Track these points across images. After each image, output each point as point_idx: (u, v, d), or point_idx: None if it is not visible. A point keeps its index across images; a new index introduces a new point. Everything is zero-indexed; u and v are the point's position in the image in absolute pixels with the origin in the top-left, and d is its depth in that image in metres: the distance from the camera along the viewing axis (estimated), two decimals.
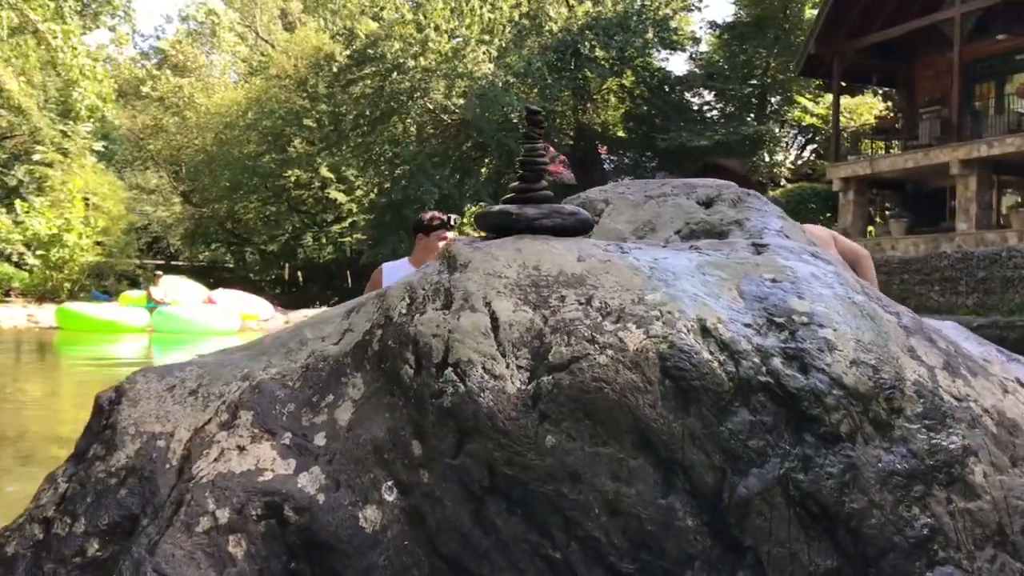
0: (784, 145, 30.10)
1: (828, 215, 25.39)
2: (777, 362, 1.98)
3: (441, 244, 4.21)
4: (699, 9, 41.08)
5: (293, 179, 33.99)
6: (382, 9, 29.26)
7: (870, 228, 25.00)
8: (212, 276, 33.33)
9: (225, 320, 18.46)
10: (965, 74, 22.47)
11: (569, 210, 2.27)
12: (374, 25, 29.25)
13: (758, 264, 2.22)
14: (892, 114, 26.50)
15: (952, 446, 1.98)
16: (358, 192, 33.86)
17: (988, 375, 2.23)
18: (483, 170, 31.36)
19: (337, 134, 31.32)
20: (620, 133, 32.51)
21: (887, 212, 25.20)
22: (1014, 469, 2.04)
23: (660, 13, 30.30)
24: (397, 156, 30.23)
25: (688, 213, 2.77)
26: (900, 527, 1.90)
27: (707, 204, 2.80)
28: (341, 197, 33.94)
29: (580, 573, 1.90)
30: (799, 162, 29.80)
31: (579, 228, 2.26)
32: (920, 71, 25.22)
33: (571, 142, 31.37)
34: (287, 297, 31.14)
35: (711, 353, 1.96)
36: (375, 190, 32.17)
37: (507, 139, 29.27)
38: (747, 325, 2.03)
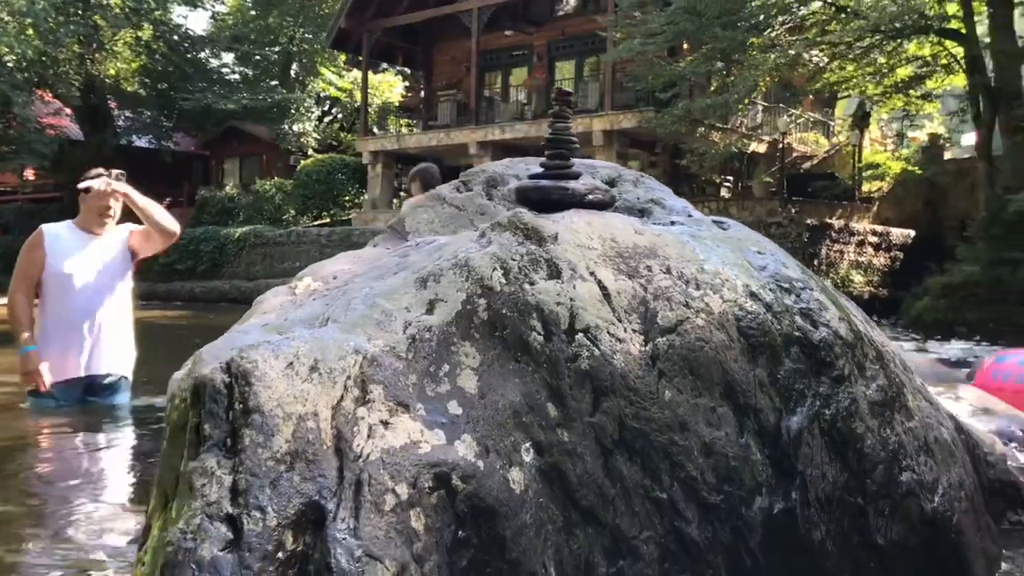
0: (310, 115, 30.56)
1: (357, 186, 26.45)
2: (798, 319, 2.42)
3: (111, 203, 4.23)
4: None
5: None
6: None
7: (395, 200, 26.57)
8: None
9: None
10: (478, 63, 24.82)
11: (604, 187, 2.48)
12: None
13: (740, 238, 2.64)
14: (414, 94, 28.38)
15: (897, 379, 2.60)
16: None
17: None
18: None
19: None
20: (134, 88, 30.40)
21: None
22: (919, 395, 2.73)
23: None
24: None
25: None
26: (884, 445, 2.46)
27: (611, 183, 3.13)
28: None
29: (680, 510, 2.18)
30: (324, 133, 30.48)
31: (612, 203, 2.48)
32: (438, 56, 27.36)
33: (79, 94, 28.60)
34: None
35: (764, 313, 2.35)
36: None
37: (0, 85, 25.89)
38: (771, 289, 2.44)
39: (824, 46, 18.68)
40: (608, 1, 21.31)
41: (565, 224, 2.28)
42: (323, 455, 1.83)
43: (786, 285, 2.49)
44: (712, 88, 20.05)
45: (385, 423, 1.93)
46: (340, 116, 31.13)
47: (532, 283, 2.15)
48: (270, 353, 1.91)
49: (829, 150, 25.07)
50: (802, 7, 18.51)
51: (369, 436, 1.89)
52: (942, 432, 2.70)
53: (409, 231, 3.05)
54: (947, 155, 24.34)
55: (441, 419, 1.99)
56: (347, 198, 26.44)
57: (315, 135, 29.22)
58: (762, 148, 23.41)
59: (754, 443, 2.27)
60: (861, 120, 22.68)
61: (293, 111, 29.00)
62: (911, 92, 20.09)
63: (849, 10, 18.56)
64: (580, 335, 2.10)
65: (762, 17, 18.31)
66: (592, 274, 2.19)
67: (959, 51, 18.40)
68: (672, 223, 2.66)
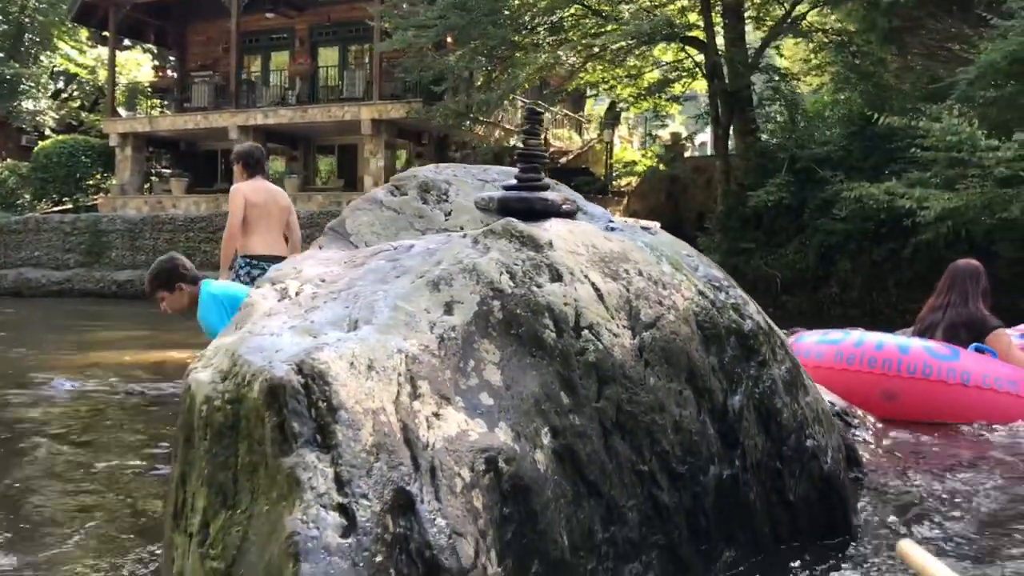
0: (46, 92, 28.17)
1: (103, 170, 24.82)
2: (732, 313, 2.83)
3: None
4: None
5: None
6: None
7: (147, 184, 25.18)
8: None
9: None
10: (238, 44, 24.01)
11: (571, 198, 2.76)
12: None
13: (671, 243, 3.01)
14: (164, 74, 26.97)
15: (795, 361, 3.08)
16: None
17: None
18: None
19: None
20: None
21: (167, 170, 25.62)
22: (807, 375, 3.23)
23: None
24: None
25: None
26: (795, 416, 2.93)
27: None
28: None
29: (657, 479, 2.53)
30: (61, 112, 28.18)
31: (576, 212, 2.76)
32: (193, 36, 26.17)
33: None
34: None
35: (711, 308, 2.73)
36: None
37: None
38: (710, 288, 2.84)
39: (581, 48, 19.76)
40: None
41: (554, 232, 2.55)
42: (398, 446, 2.00)
43: (716, 284, 2.90)
44: (478, 83, 20.64)
45: (436, 415, 2.12)
46: (79, 95, 28.92)
47: (539, 286, 2.40)
48: (334, 354, 2.05)
49: (583, 146, 26.51)
50: (563, 10, 19.45)
51: (429, 427, 2.08)
52: (825, 404, 3.23)
53: (351, 233, 3.19)
54: (687, 153, 26.46)
55: (479, 409, 2.21)
56: (91, 182, 24.77)
57: (53, 114, 27.01)
58: None
59: (709, 420, 2.65)
60: (613, 120, 24.18)
61: (25, 87, 26.66)
62: (660, 95, 21.67)
63: (605, 14, 19.76)
64: (585, 331, 2.39)
65: (528, 16, 19.09)
66: (586, 277, 2.48)
67: (701, 58, 20.09)
68: (611, 229, 2.99)
